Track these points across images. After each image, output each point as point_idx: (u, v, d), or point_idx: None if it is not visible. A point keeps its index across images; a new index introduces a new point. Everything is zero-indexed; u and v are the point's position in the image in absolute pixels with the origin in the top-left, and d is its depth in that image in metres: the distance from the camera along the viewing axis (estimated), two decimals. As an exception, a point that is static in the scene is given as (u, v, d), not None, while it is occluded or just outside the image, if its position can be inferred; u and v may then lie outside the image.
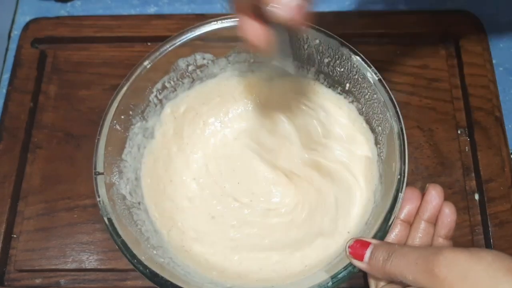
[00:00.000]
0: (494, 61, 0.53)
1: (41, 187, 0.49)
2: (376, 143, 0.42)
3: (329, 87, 0.46)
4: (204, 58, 0.45)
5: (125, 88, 0.41)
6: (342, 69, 0.42)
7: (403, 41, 0.53)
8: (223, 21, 0.42)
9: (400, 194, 0.36)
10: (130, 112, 0.43)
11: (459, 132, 0.50)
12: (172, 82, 0.45)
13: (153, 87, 0.44)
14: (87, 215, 0.48)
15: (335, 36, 0.41)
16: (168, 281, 0.35)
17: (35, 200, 0.49)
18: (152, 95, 0.44)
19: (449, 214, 0.37)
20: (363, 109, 0.43)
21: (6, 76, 0.56)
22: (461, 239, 0.46)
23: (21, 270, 0.46)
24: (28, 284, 0.46)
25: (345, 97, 0.45)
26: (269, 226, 0.44)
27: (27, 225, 0.48)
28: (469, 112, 0.50)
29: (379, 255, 0.33)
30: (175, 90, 0.46)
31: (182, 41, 0.42)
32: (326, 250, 0.42)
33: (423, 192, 0.38)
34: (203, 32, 0.42)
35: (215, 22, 0.42)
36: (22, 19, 0.59)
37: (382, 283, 0.35)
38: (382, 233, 0.35)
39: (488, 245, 0.46)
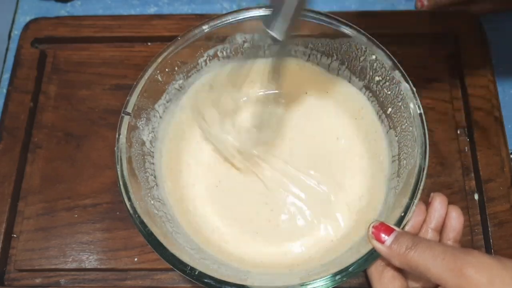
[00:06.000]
0: (494, 61, 0.53)
1: (41, 187, 0.49)
2: (398, 175, 0.41)
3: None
4: (261, 40, 0.45)
5: (177, 44, 0.42)
6: (389, 92, 0.42)
7: (403, 41, 0.53)
8: None
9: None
10: (176, 68, 0.44)
11: (458, 132, 0.50)
12: (224, 53, 0.45)
13: (205, 52, 0.45)
14: (87, 215, 0.48)
15: (392, 57, 0.41)
16: (152, 234, 0.36)
17: (35, 200, 0.49)
18: (202, 59, 0.45)
19: (456, 217, 0.37)
20: (397, 138, 0.43)
21: (6, 76, 0.56)
22: (461, 239, 0.46)
23: (21, 270, 0.46)
24: (28, 283, 0.46)
25: (382, 122, 0.45)
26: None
27: (27, 225, 0.48)
28: (469, 112, 0.50)
29: (404, 242, 0.33)
30: (225, 60, 0.46)
31: (245, 17, 0.43)
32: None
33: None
34: (269, 14, 0.42)
35: None
36: (22, 19, 0.59)
37: (385, 279, 0.35)
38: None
39: (487, 245, 0.46)
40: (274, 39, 0.37)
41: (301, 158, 0.47)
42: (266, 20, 0.36)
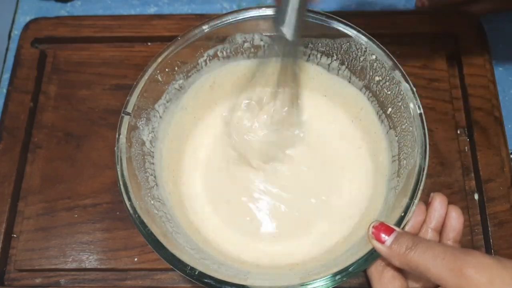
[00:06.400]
0: (494, 61, 0.53)
1: (41, 187, 0.49)
2: (398, 175, 0.41)
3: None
4: (261, 40, 0.45)
5: (177, 44, 0.42)
6: (389, 92, 0.42)
7: (403, 41, 0.53)
8: None
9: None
10: (176, 68, 0.43)
11: (458, 132, 0.50)
12: (224, 53, 0.45)
13: (205, 52, 0.45)
14: (87, 215, 0.48)
15: (392, 57, 0.41)
16: (152, 234, 0.36)
17: (35, 200, 0.49)
18: (202, 59, 0.45)
19: (456, 217, 0.37)
20: (397, 138, 0.42)
21: (6, 76, 0.56)
22: (461, 239, 0.46)
23: (21, 270, 0.46)
24: (28, 283, 0.46)
25: (382, 122, 0.45)
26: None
27: (27, 225, 0.48)
28: (469, 112, 0.50)
29: (404, 242, 0.33)
30: (224, 61, 0.46)
31: (245, 17, 0.43)
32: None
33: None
34: (269, 14, 0.43)
35: None
36: (22, 19, 0.59)
37: (385, 279, 0.35)
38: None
39: (487, 245, 0.46)
40: (286, 39, 0.37)
41: (300, 158, 0.47)
42: (275, 23, 0.37)
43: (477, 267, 0.29)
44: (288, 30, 0.37)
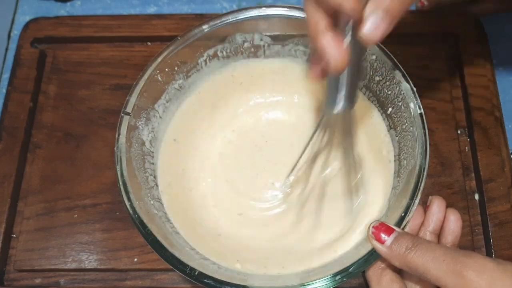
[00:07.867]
0: (494, 61, 0.53)
1: (40, 187, 0.49)
2: (398, 175, 0.41)
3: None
4: (261, 40, 0.45)
5: (177, 44, 0.42)
6: (390, 92, 0.42)
7: (403, 41, 0.53)
8: (292, 9, 0.42)
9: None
10: (176, 68, 0.44)
11: (459, 132, 0.50)
12: (224, 53, 0.45)
13: (205, 51, 0.45)
14: (87, 215, 0.48)
15: (392, 56, 0.41)
16: (152, 234, 0.36)
17: (35, 200, 0.49)
18: (202, 59, 0.45)
19: (455, 220, 0.37)
20: (397, 138, 0.42)
21: (6, 76, 0.56)
22: (461, 239, 0.45)
23: (20, 270, 0.46)
24: (28, 284, 0.46)
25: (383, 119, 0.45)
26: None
27: (27, 225, 0.48)
28: (469, 112, 0.50)
29: (403, 243, 0.33)
30: (225, 60, 0.46)
31: (245, 17, 0.43)
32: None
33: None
34: (269, 14, 0.43)
35: (284, 9, 0.42)
36: (22, 19, 0.59)
37: (384, 283, 0.35)
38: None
39: (488, 246, 0.46)
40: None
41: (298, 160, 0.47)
42: (328, 104, 0.35)
43: (477, 270, 0.29)
44: (338, 108, 0.35)
